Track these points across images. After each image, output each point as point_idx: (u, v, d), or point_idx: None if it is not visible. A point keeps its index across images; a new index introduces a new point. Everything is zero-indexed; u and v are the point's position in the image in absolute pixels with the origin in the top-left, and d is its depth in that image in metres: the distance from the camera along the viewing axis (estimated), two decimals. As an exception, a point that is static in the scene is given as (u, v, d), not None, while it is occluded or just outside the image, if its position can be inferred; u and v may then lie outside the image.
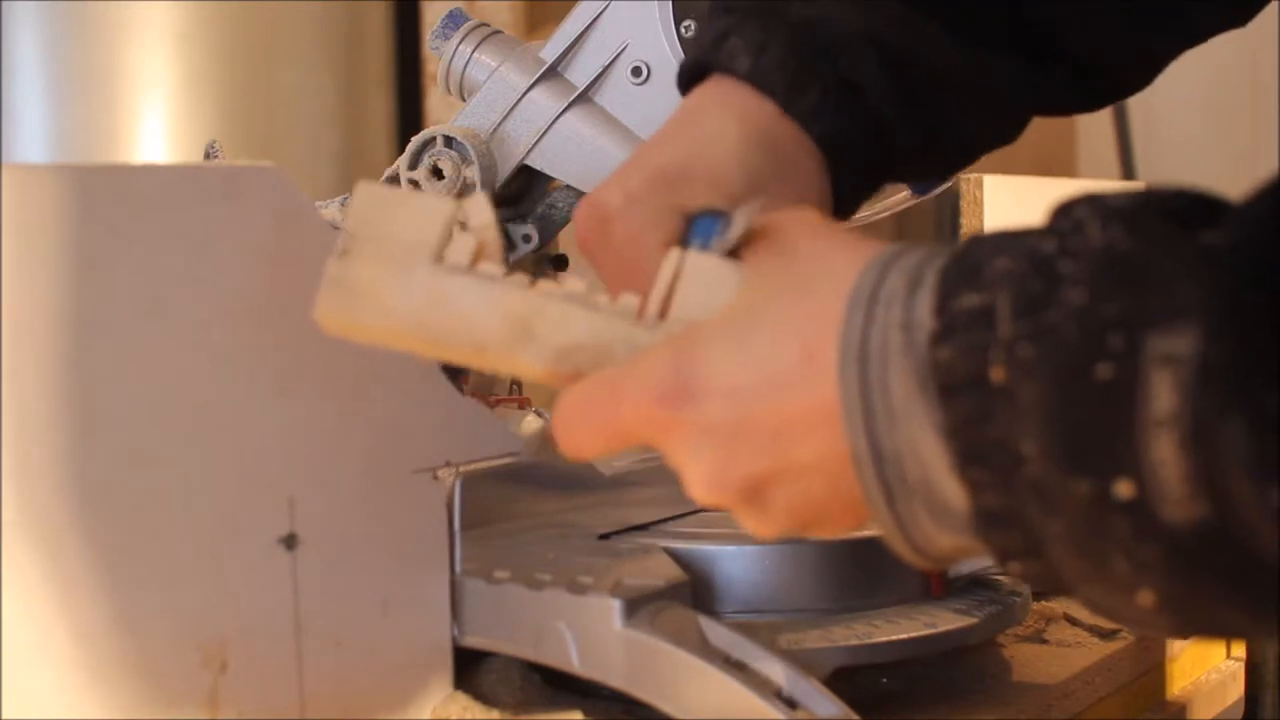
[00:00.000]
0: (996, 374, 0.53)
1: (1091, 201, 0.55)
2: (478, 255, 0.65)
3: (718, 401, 0.59)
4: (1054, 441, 0.52)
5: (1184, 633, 0.56)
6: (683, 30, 0.99)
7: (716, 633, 0.76)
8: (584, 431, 0.63)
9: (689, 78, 0.82)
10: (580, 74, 1.01)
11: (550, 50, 1.02)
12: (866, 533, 0.78)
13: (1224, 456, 0.49)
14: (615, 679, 0.75)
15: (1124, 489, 0.51)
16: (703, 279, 0.63)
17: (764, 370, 0.59)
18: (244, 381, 0.70)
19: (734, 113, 0.78)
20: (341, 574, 0.74)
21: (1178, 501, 0.51)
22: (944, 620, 0.84)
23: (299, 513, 0.72)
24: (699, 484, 0.61)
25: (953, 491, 0.56)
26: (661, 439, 0.62)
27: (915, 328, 0.56)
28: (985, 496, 0.55)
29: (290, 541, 0.72)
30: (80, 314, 0.65)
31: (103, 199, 0.66)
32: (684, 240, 0.68)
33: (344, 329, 0.66)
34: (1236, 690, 1.07)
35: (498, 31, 1.06)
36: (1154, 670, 0.99)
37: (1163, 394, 0.50)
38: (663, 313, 0.64)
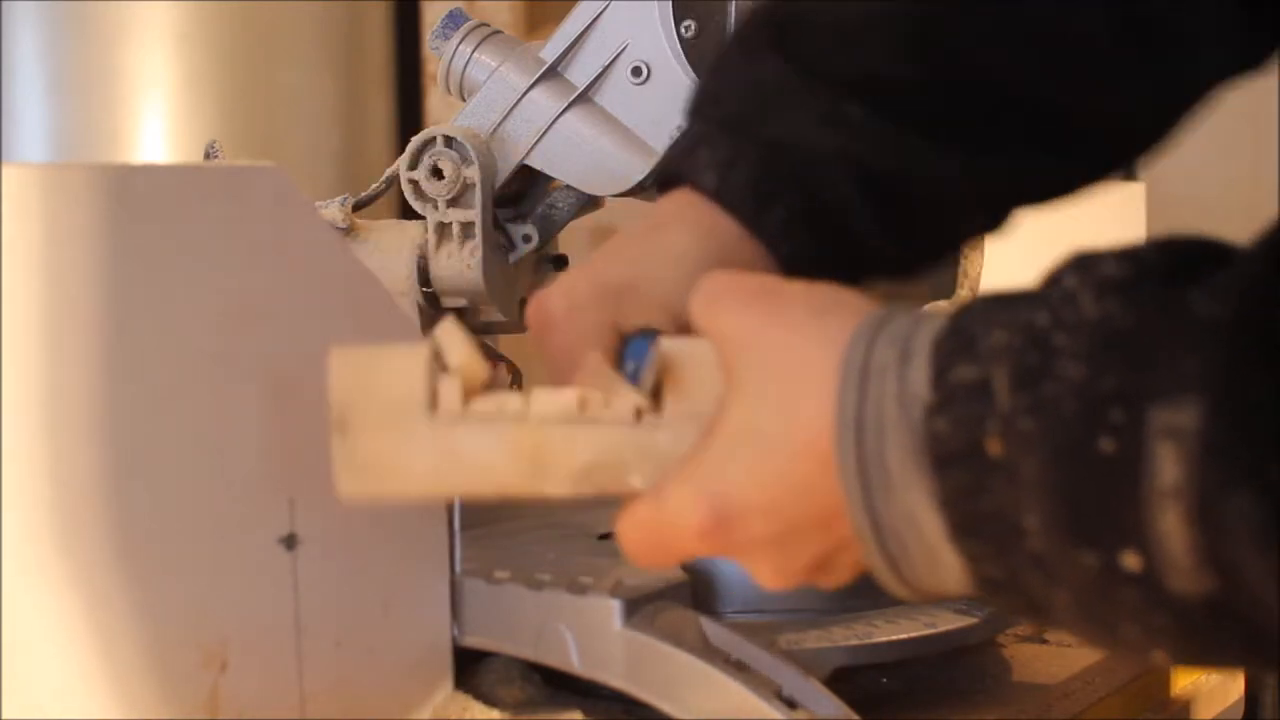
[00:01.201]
0: (993, 446, 0.54)
1: (1081, 270, 0.55)
2: (468, 393, 0.65)
3: (757, 520, 0.61)
4: (1057, 514, 0.53)
5: (1194, 668, 0.57)
6: (683, 30, 0.99)
7: (716, 633, 0.76)
8: (654, 559, 0.65)
9: (661, 182, 0.81)
10: (580, 74, 1.01)
11: (550, 50, 1.02)
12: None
13: (1231, 530, 0.50)
14: (615, 679, 0.75)
15: (1131, 561, 0.52)
16: (686, 365, 0.64)
17: (787, 482, 0.60)
18: (244, 381, 0.70)
19: (695, 230, 0.77)
20: (341, 574, 0.74)
21: (1185, 572, 0.51)
22: (944, 620, 0.84)
23: (299, 513, 0.72)
24: (769, 581, 0.64)
25: (953, 559, 0.57)
26: (720, 554, 0.64)
27: (910, 401, 0.56)
28: (984, 566, 0.56)
29: (290, 541, 0.72)
30: (80, 314, 0.65)
31: (103, 199, 0.65)
32: (619, 359, 0.69)
33: (372, 500, 0.67)
34: (1236, 690, 1.07)
35: (498, 31, 1.06)
36: (1154, 670, 0.99)
37: (1167, 467, 0.50)
38: (658, 408, 0.64)
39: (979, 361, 0.55)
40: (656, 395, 0.65)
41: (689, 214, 0.77)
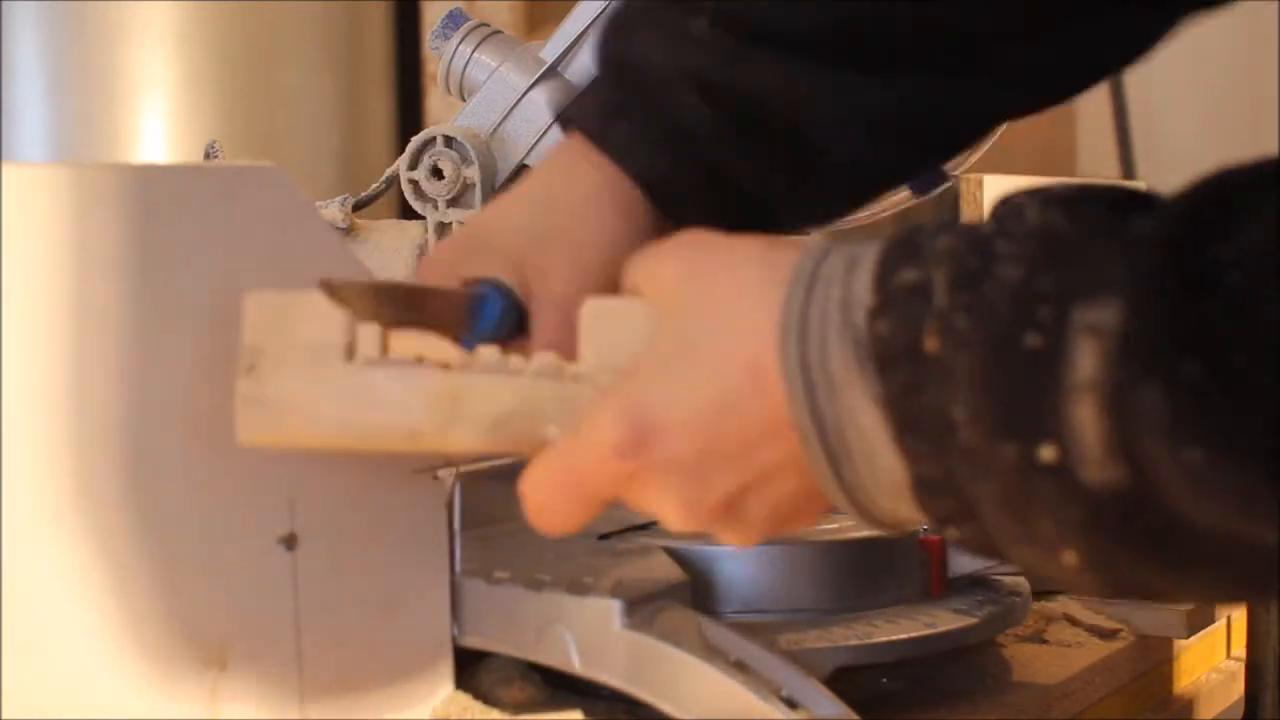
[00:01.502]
0: (930, 344, 0.56)
1: (1033, 191, 0.57)
2: (386, 342, 0.65)
3: (677, 435, 0.61)
4: (983, 408, 0.55)
5: (1110, 593, 0.58)
6: (683, 30, 0.99)
7: (716, 633, 0.76)
8: (556, 511, 0.64)
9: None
10: (580, 74, 1.01)
11: (550, 50, 1.02)
12: (863, 533, 0.78)
13: (1141, 420, 0.51)
14: (615, 679, 0.75)
15: (1047, 453, 0.53)
16: (610, 322, 0.64)
17: (715, 396, 0.60)
18: (244, 381, 0.70)
19: (537, 173, 0.81)
20: (341, 574, 0.74)
21: (1097, 464, 0.53)
22: (944, 620, 0.84)
23: (299, 513, 0.72)
24: (676, 516, 0.63)
25: (892, 461, 0.58)
26: (629, 489, 0.63)
27: (853, 305, 0.58)
28: (921, 465, 0.57)
29: (290, 541, 0.72)
30: (80, 313, 0.65)
31: (103, 199, 0.65)
32: (472, 314, 0.71)
33: (271, 442, 0.66)
34: (1237, 690, 1.07)
35: (498, 31, 1.06)
36: (1154, 670, 0.99)
37: (1085, 361, 0.52)
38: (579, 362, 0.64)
39: (922, 264, 0.57)
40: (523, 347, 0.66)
41: (563, 156, 0.82)
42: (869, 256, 0.59)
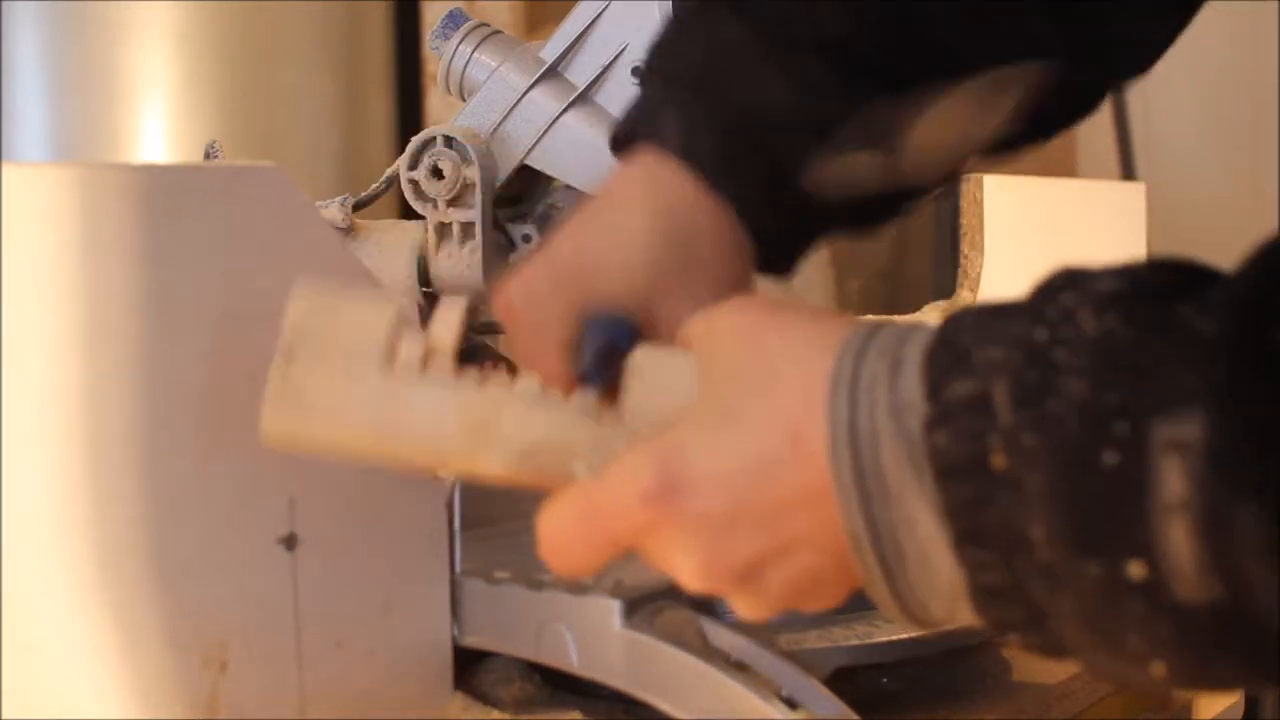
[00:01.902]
0: (997, 461, 0.55)
1: (1078, 287, 0.56)
2: (428, 356, 0.64)
3: (708, 489, 0.60)
4: (1063, 526, 0.54)
5: (1190, 690, 0.57)
6: (683, 30, 0.99)
7: (716, 633, 0.76)
8: (571, 550, 0.63)
9: (620, 143, 0.80)
10: (580, 74, 1.01)
11: (550, 50, 1.02)
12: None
13: (1237, 541, 0.50)
14: (615, 679, 0.75)
15: (1136, 570, 0.52)
16: (658, 371, 0.63)
17: (751, 457, 0.59)
18: (244, 381, 0.70)
19: (650, 205, 0.76)
20: (341, 574, 0.74)
21: (1190, 582, 0.52)
22: (944, 620, 0.84)
23: (299, 513, 0.72)
24: (693, 574, 0.61)
25: (950, 568, 0.57)
26: (649, 540, 0.62)
27: (905, 411, 0.57)
28: (985, 574, 0.56)
29: (290, 541, 0.72)
30: (80, 313, 0.65)
31: (103, 199, 0.65)
32: (578, 345, 0.69)
33: (292, 441, 0.65)
34: (1237, 690, 1.07)
35: (498, 31, 1.06)
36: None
37: (1172, 480, 0.51)
38: (620, 407, 0.63)
39: (975, 376, 0.56)
40: (613, 391, 0.64)
41: (642, 184, 0.77)
42: (913, 357, 0.58)
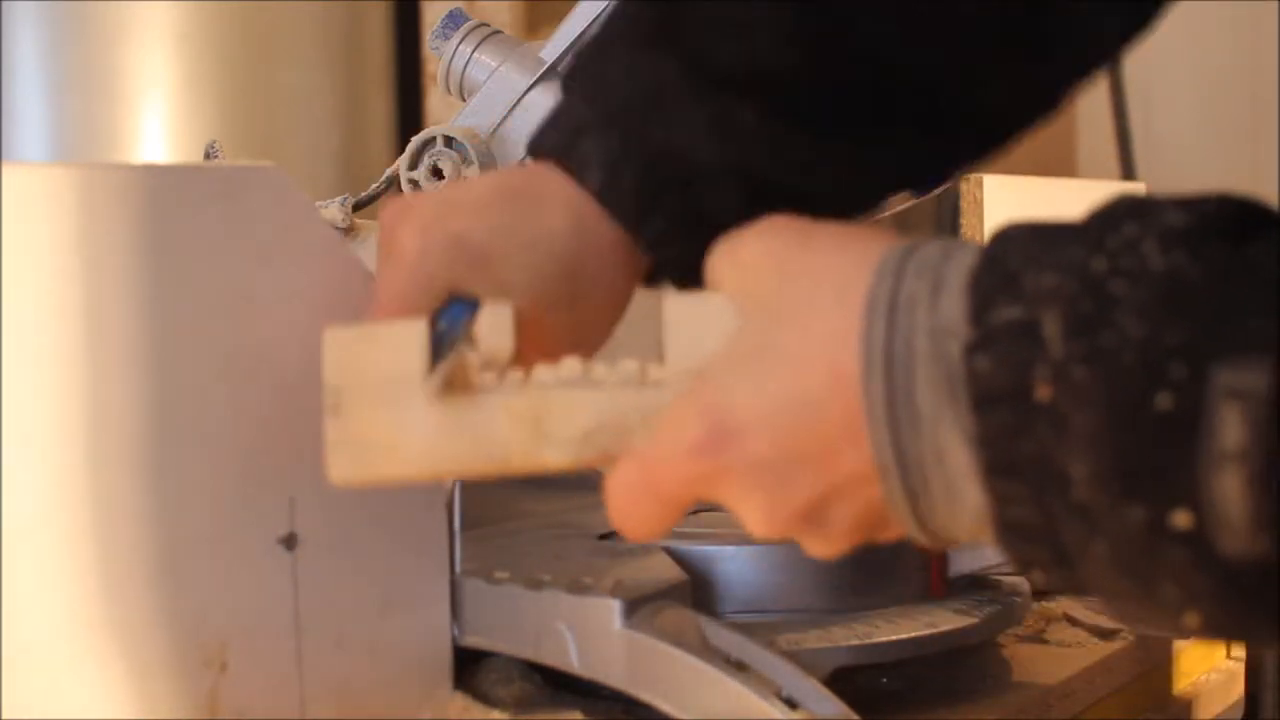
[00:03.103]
0: (1042, 391, 0.53)
1: (1142, 217, 0.53)
2: (485, 367, 0.64)
3: (756, 434, 0.58)
4: (1106, 467, 0.52)
5: (1219, 641, 0.56)
6: (683, 30, 0.99)
7: (716, 633, 0.76)
8: (638, 515, 0.62)
9: (536, 150, 0.79)
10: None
11: (550, 50, 1.02)
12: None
13: None
14: (615, 679, 0.75)
15: (1181, 519, 0.51)
16: (692, 321, 0.62)
17: (795, 396, 0.58)
18: (244, 381, 0.70)
19: (571, 218, 0.76)
20: (341, 574, 0.74)
21: (1239, 535, 0.50)
22: (944, 620, 0.84)
23: (299, 513, 0.72)
24: (758, 520, 0.60)
25: (977, 499, 0.56)
26: (711, 490, 0.60)
27: (944, 333, 0.55)
28: (1014, 509, 0.55)
29: (290, 541, 0.72)
30: (80, 314, 0.65)
31: (103, 199, 0.65)
32: (433, 320, 0.67)
33: (366, 483, 0.66)
34: (1236, 690, 1.07)
35: (498, 31, 1.06)
36: (1154, 670, 0.99)
37: (1230, 428, 0.49)
38: (660, 367, 0.62)
39: (1024, 301, 0.53)
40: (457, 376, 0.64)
41: (566, 197, 0.76)
42: (956, 277, 0.56)
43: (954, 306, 0.55)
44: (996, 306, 0.54)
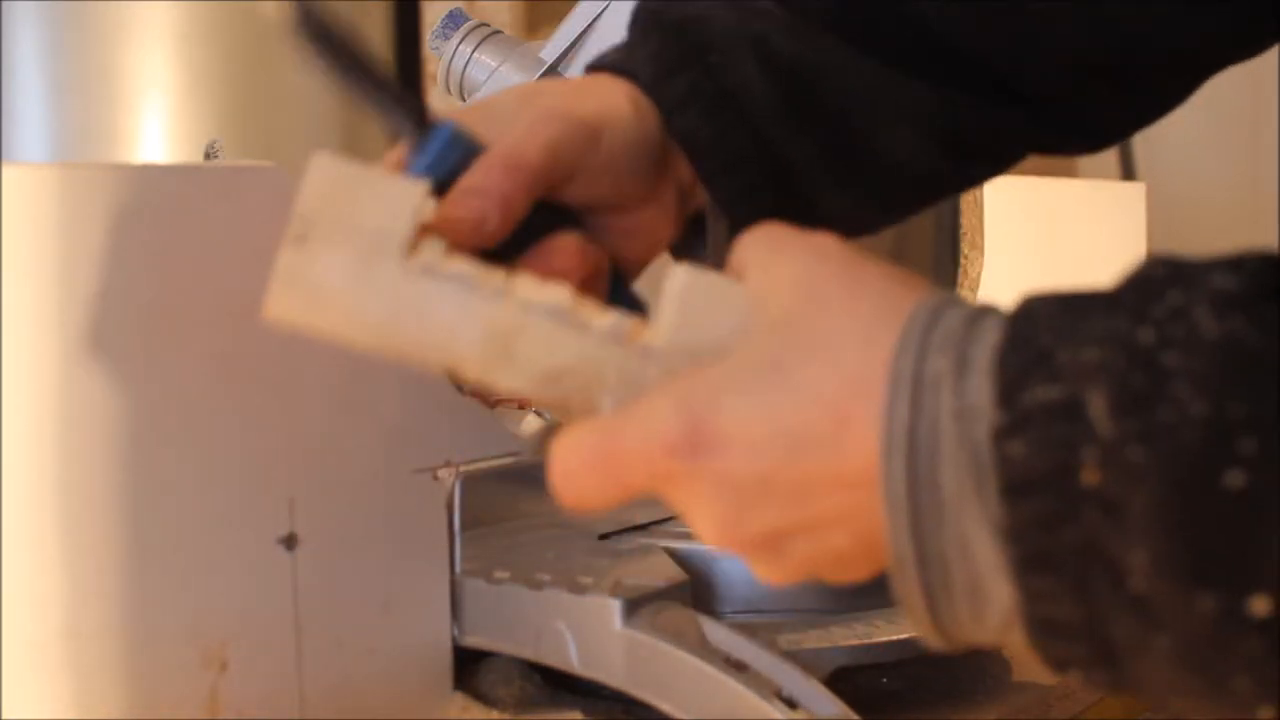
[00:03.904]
0: (1089, 476, 0.49)
1: (1187, 282, 0.50)
2: (449, 251, 0.59)
3: (737, 454, 0.55)
4: (1171, 553, 0.48)
5: None
6: (683, 30, 0.99)
7: (716, 633, 0.76)
8: (586, 484, 0.58)
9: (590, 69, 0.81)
10: (580, 74, 1.01)
11: (550, 50, 1.02)
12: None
13: None
14: (615, 679, 0.75)
15: (1260, 606, 0.47)
16: (701, 300, 0.58)
17: (791, 429, 0.54)
18: (244, 381, 0.70)
19: (629, 101, 0.76)
20: (341, 574, 0.74)
21: None
22: (944, 620, 0.84)
23: (299, 513, 0.72)
24: (710, 533, 0.57)
25: (1005, 597, 0.52)
26: (669, 489, 0.57)
27: (971, 418, 0.51)
28: (1049, 606, 0.51)
29: (290, 541, 0.72)
30: (80, 314, 0.65)
31: (103, 199, 0.65)
32: (413, 149, 0.64)
33: (299, 324, 0.60)
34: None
35: (498, 31, 1.06)
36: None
37: None
38: (657, 334, 0.58)
39: (1063, 380, 0.50)
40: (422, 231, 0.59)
41: (616, 83, 0.76)
42: (981, 356, 0.52)
43: (981, 389, 0.51)
44: (1029, 387, 0.50)
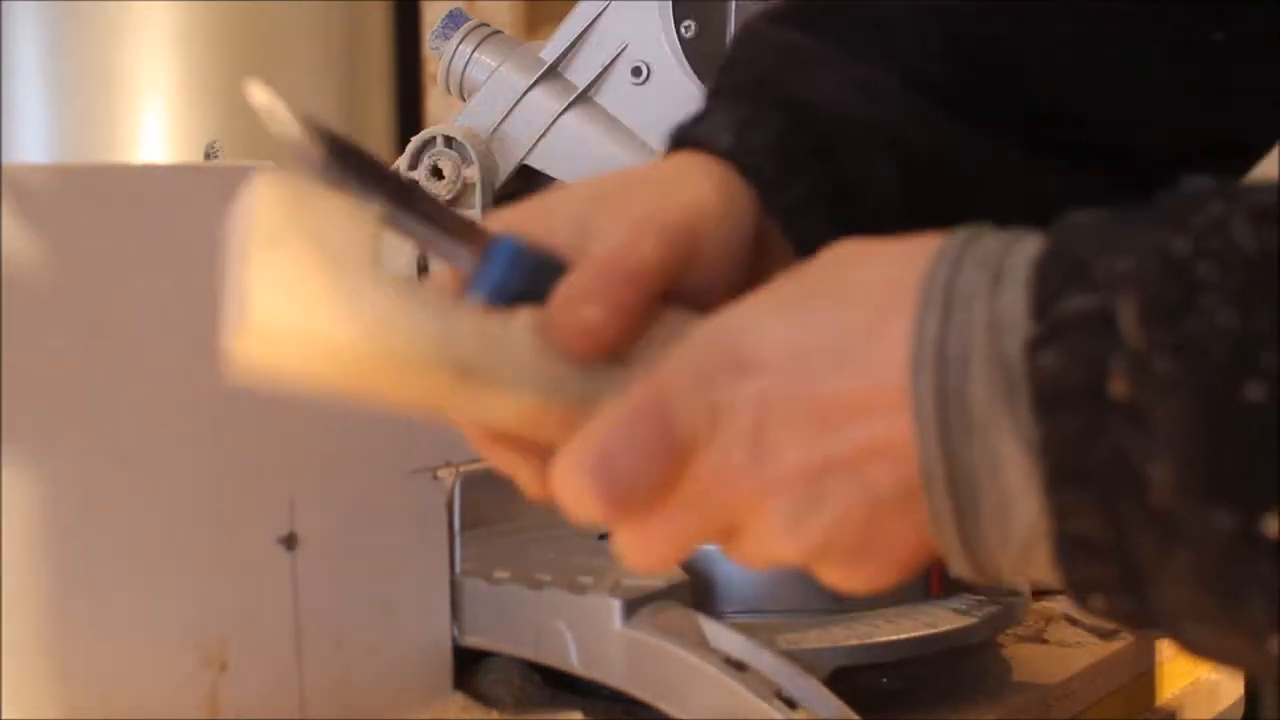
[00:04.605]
0: (1117, 386, 0.47)
1: (1229, 196, 0.49)
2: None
3: (776, 371, 0.52)
4: (1192, 467, 0.47)
5: None
6: (683, 30, 0.99)
7: (716, 633, 0.76)
8: (630, 464, 0.52)
9: (668, 150, 0.69)
10: (580, 74, 1.01)
11: (550, 50, 1.02)
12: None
13: None
14: (615, 679, 0.75)
15: (1273, 525, 0.46)
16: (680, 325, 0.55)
17: (825, 343, 0.52)
18: (244, 381, 0.70)
19: (715, 183, 0.65)
20: (341, 574, 0.74)
21: None
22: (944, 620, 0.84)
23: (299, 513, 0.72)
24: (750, 475, 0.52)
25: (1034, 515, 0.50)
26: (713, 426, 0.52)
27: (1003, 329, 0.49)
28: (1079, 522, 0.49)
29: (290, 541, 0.72)
30: (80, 314, 0.65)
31: (103, 199, 0.65)
32: (472, 268, 0.57)
33: (281, 344, 0.54)
34: (1236, 690, 1.07)
35: (498, 31, 1.06)
36: (1153, 670, 0.99)
37: None
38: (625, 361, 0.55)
39: (1097, 289, 0.48)
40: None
41: (704, 167, 0.65)
42: (1018, 268, 0.50)
43: (1016, 300, 0.49)
44: (1064, 296, 0.49)
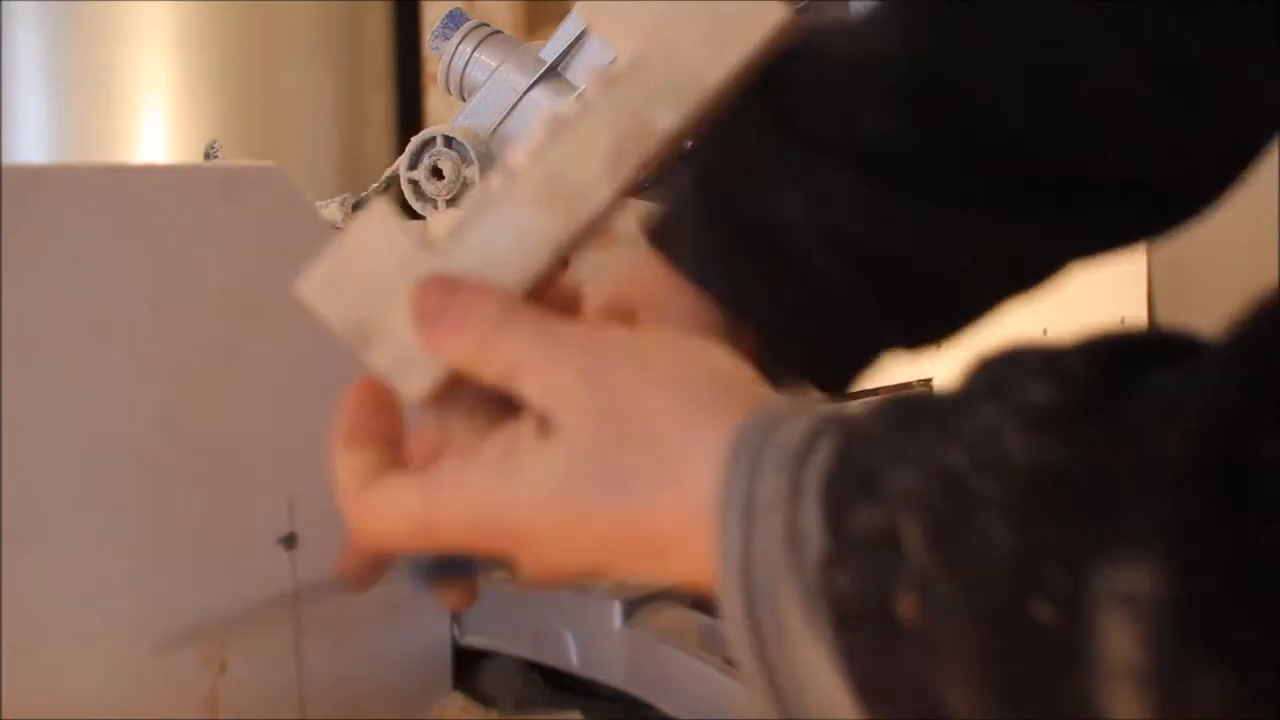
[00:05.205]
0: (904, 609, 0.46)
1: (1002, 396, 0.47)
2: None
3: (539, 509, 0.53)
4: (982, 690, 0.46)
5: None
6: (683, 30, 0.99)
7: (716, 633, 0.76)
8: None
9: (649, 235, 0.73)
10: (580, 74, 1.01)
11: (550, 50, 1.02)
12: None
13: (1198, 713, 0.42)
14: (615, 679, 0.75)
15: None
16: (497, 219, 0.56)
17: (609, 541, 0.53)
18: (244, 381, 0.70)
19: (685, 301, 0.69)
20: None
21: None
22: (944, 620, 0.84)
23: (299, 513, 0.72)
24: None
25: (853, 712, 0.49)
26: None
27: (801, 542, 0.49)
28: None
29: (290, 541, 0.72)
30: (80, 313, 0.65)
31: (103, 199, 0.65)
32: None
33: (451, 377, 0.56)
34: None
35: (498, 31, 1.06)
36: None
37: (1116, 640, 0.42)
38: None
39: (882, 505, 0.47)
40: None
41: (676, 301, 0.70)
42: (813, 477, 0.49)
43: (812, 512, 0.49)
44: (853, 511, 0.48)
